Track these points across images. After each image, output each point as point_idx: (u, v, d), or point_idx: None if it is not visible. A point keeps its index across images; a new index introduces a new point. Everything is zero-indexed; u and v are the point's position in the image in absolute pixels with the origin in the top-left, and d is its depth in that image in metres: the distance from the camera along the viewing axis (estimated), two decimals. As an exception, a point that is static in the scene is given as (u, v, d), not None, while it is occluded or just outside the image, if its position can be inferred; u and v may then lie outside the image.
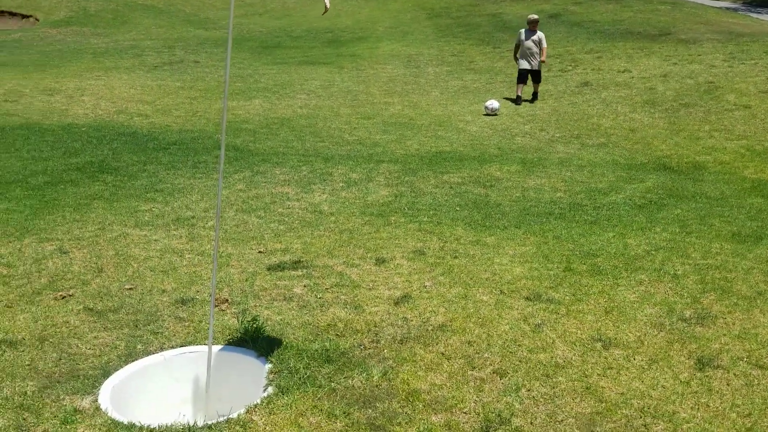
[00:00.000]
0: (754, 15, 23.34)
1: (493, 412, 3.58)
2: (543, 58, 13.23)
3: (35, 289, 5.00)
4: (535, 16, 13.46)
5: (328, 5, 4.17)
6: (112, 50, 19.85)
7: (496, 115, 12.27)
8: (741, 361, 4.14)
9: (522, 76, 13.22)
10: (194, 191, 7.78)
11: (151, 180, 8.19)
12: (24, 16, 25.78)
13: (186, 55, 19.09)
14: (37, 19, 25.72)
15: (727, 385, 3.89)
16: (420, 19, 24.24)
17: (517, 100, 13.16)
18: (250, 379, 3.90)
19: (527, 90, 13.56)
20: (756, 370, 4.04)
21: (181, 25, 25.81)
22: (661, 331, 4.52)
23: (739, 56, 15.05)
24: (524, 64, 13.17)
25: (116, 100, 13.26)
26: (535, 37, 13.14)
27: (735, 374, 4.00)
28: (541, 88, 13.80)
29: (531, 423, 3.51)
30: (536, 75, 13.30)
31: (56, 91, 13.85)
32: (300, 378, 3.83)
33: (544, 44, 13.21)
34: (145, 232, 6.41)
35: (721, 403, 3.72)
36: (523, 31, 13.33)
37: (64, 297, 4.86)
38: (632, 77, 14.38)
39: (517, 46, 13.32)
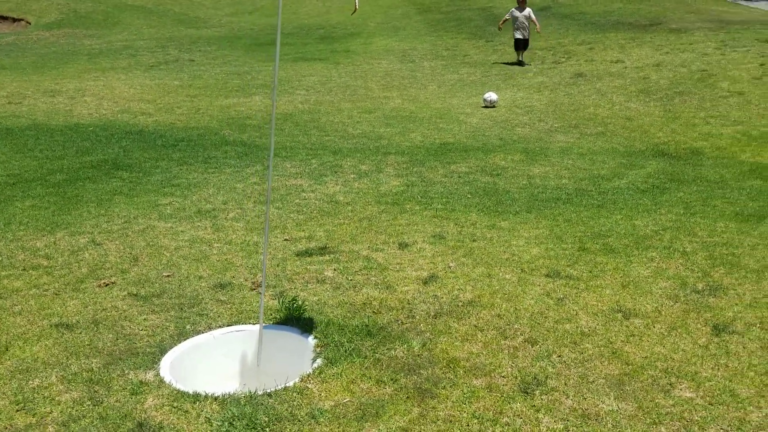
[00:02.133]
0: (744, 3, 23.75)
1: (529, 375, 3.85)
2: (538, 29, 16.43)
3: (78, 278, 5.22)
4: None
5: (357, 5, 4.39)
6: (107, 51, 19.96)
7: (494, 107, 12.54)
8: (754, 327, 4.43)
9: (517, 45, 16.26)
10: (210, 185, 7.99)
11: (165, 175, 8.39)
12: (15, 20, 25.78)
13: (180, 54, 19.24)
14: (28, 22, 25.73)
15: (743, 348, 4.18)
16: (411, 15, 24.49)
17: (520, 63, 16.09)
18: (297, 353, 4.15)
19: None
20: (768, 334, 4.33)
21: (172, 25, 25.91)
22: (676, 302, 4.81)
23: (731, 44, 15.43)
24: (518, 35, 16.16)
25: (118, 99, 13.42)
26: (525, 12, 16.12)
27: (750, 338, 4.29)
28: (536, 80, 14.21)
29: (565, 384, 3.78)
30: (526, 43, 16.26)
31: (57, 92, 13.99)
32: (345, 350, 4.08)
33: (533, 17, 16.24)
34: (170, 224, 6.63)
35: (739, 363, 4.01)
36: (513, 8, 16.42)
37: (107, 284, 5.08)
38: (625, 67, 14.71)
39: (506, 20, 16.58)
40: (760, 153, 9.28)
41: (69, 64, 17.68)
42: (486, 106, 12.58)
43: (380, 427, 3.40)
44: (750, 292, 4.94)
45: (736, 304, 4.75)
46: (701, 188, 7.73)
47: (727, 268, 5.36)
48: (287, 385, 3.70)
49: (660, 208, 6.99)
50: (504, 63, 16.60)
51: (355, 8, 4.40)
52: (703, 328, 4.43)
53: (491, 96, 12.70)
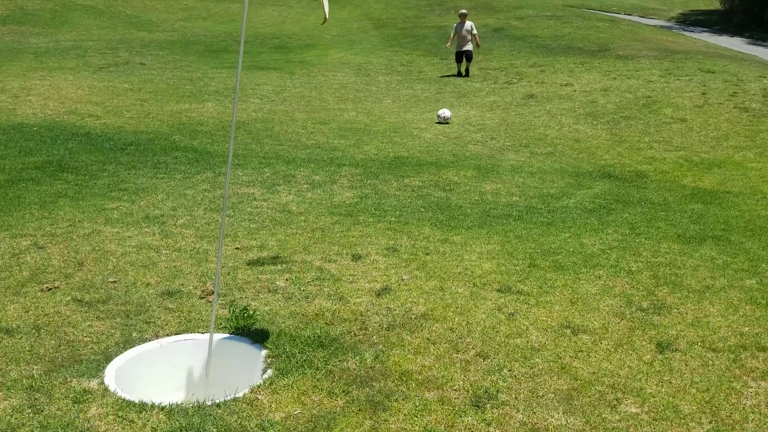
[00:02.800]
0: (687, 33, 24.69)
1: (480, 389, 3.87)
2: (478, 43, 17.45)
3: (19, 282, 5.03)
4: (463, 11, 17.64)
5: (327, 15, 4.36)
6: (54, 50, 19.42)
7: (448, 123, 12.68)
8: (696, 345, 4.56)
9: (458, 57, 17.19)
10: (159, 191, 7.84)
11: (113, 179, 8.19)
12: (-43, 13, 24.87)
13: (131, 57, 18.87)
14: (-29, 16, 24.83)
15: (686, 365, 4.30)
16: (367, 29, 24.61)
17: (459, 74, 17.08)
18: (247, 364, 4.08)
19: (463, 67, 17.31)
20: (710, 353, 4.47)
21: (122, 27, 25.40)
22: (622, 319, 4.92)
23: (675, 72, 15.99)
24: (458, 48, 17.10)
25: (64, 100, 13.06)
26: (467, 27, 17.04)
27: (692, 356, 4.42)
28: (488, 99, 14.46)
29: (516, 398, 3.82)
30: (469, 55, 17.08)
31: (0, 90, 13.53)
32: (297, 361, 4.03)
33: (475, 31, 17.29)
34: (116, 229, 6.46)
35: (682, 380, 4.12)
36: (456, 24, 17.38)
37: (50, 289, 4.91)
38: (574, 90, 15.08)
39: (453, 37, 17.37)
40: (700, 178, 9.61)
41: (14, 61, 17.14)
42: (440, 122, 12.71)
43: (331, 439, 3.37)
44: (692, 312, 5.09)
45: (679, 323, 4.89)
46: (646, 210, 7.95)
47: (670, 288, 5.52)
48: (237, 396, 3.63)
49: (606, 228, 7.16)
50: (451, 75, 17.04)
51: (325, 18, 4.37)
52: (648, 345, 4.54)
53: (445, 113, 12.85)
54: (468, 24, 17.04)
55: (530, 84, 15.96)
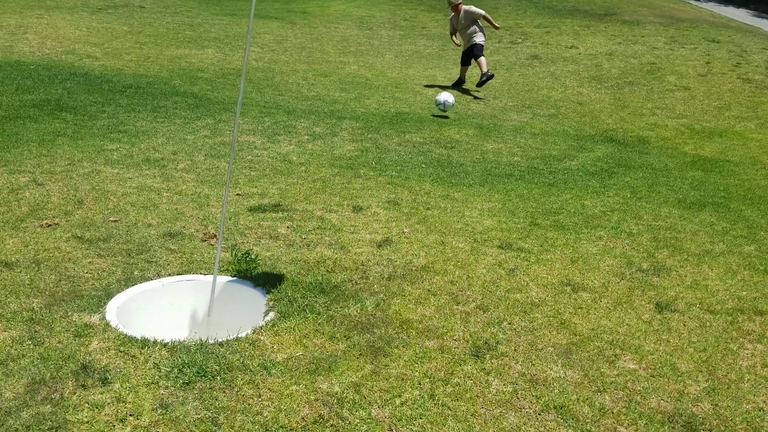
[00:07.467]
0: (693, 2, 24.36)
1: (480, 340, 3.89)
2: (495, 25, 12.42)
3: (18, 217, 4.98)
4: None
5: None
6: (51, -11, 19.01)
7: (446, 111, 10.16)
8: (694, 307, 4.59)
9: (464, 59, 12.24)
10: (159, 134, 7.75)
11: (112, 121, 8.09)
12: (-49, -54, 24.22)
13: (130, -1, 18.49)
14: (-35, -50, 24.21)
15: (684, 325, 4.33)
16: (370, -18, 24.14)
17: (460, 82, 12.35)
18: (249, 306, 4.08)
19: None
20: (707, 315, 4.50)
21: (121, -31, 24.84)
22: (622, 279, 4.94)
23: (680, 40, 15.83)
24: (467, 45, 12.09)
25: (62, 40, 12.82)
26: (466, 16, 11.93)
27: (690, 317, 4.45)
28: (492, 58, 14.28)
29: (515, 350, 3.84)
30: (476, 51, 12.01)
31: (-4, 26, 13.27)
32: (299, 306, 4.03)
33: (482, 12, 12.00)
34: (116, 170, 6.40)
35: (680, 340, 4.15)
36: (450, 17, 12.30)
37: (50, 225, 4.87)
38: (579, 53, 14.91)
39: (453, 32, 12.43)
40: (701, 146, 9.58)
41: (9, -2, 16.76)
42: (441, 109, 10.10)
43: (332, 382, 3.39)
44: (691, 275, 5.11)
45: (678, 285, 4.91)
46: (647, 175, 7.94)
47: (670, 251, 5.53)
48: (239, 336, 3.64)
49: (608, 191, 7.15)
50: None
51: None
52: (647, 305, 4.57)
53: (447, 98, 10.15)
54: (465, 11, 11.93)
55: (535, 45, 15.76)
